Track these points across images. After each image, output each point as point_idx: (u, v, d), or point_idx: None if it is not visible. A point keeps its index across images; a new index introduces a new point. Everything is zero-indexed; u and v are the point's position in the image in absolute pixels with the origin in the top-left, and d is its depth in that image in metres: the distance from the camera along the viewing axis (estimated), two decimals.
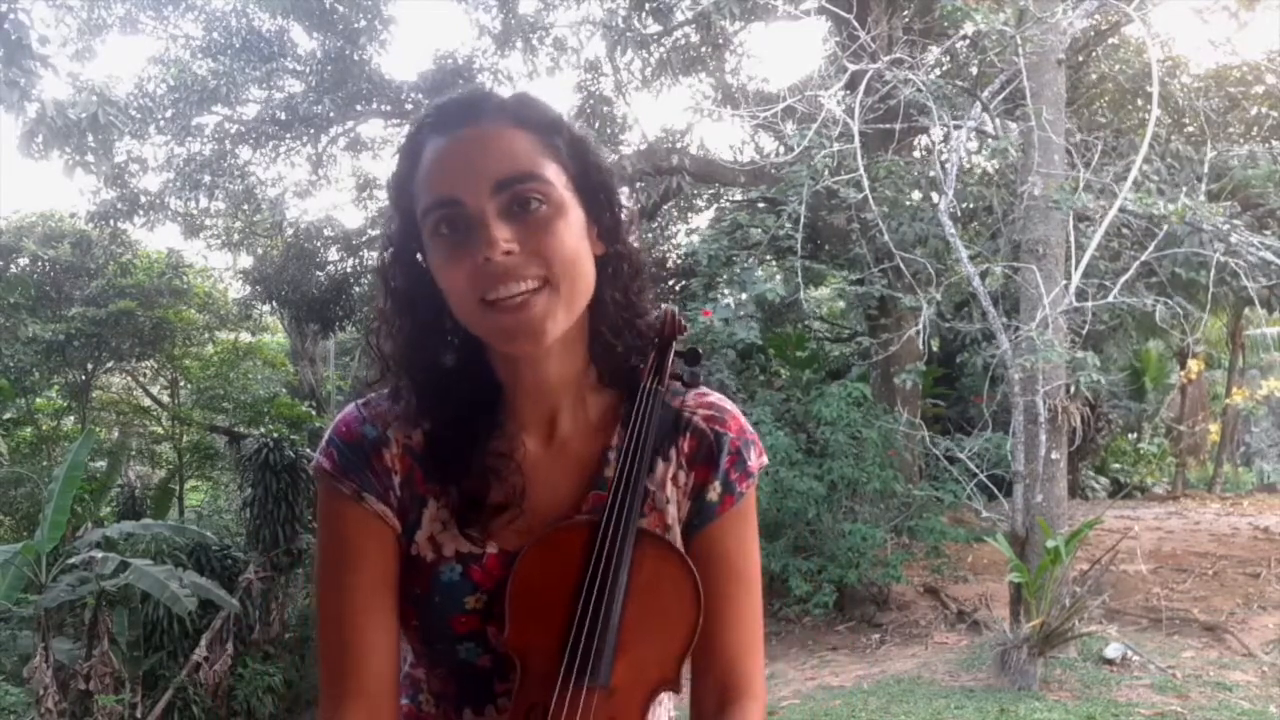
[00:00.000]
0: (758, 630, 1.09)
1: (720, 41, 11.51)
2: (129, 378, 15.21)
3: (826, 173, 6.97)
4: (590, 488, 1.05)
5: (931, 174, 8.00)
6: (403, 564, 1.03)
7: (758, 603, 1.09)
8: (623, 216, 1.03)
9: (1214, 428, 15.71)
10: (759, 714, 1.05)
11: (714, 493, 1.06)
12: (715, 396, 1.11)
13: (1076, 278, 5.97)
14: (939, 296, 6.93)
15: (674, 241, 12.96)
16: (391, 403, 1.06)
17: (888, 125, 7.16)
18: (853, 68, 6.74)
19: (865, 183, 6.63)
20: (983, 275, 6.32)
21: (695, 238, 11.26)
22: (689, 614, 1.01)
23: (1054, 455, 6.00)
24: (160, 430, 15.29)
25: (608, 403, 1.07)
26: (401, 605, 1.03)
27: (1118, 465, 15.95)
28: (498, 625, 1.00)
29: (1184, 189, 6.54)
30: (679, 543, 1.06)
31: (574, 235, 0.96)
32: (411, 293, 1.00)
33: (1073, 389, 6.00)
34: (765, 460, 1.12)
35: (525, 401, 1.05)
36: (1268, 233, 6.82)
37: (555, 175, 0.96)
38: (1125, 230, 6.87)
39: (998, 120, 6.86)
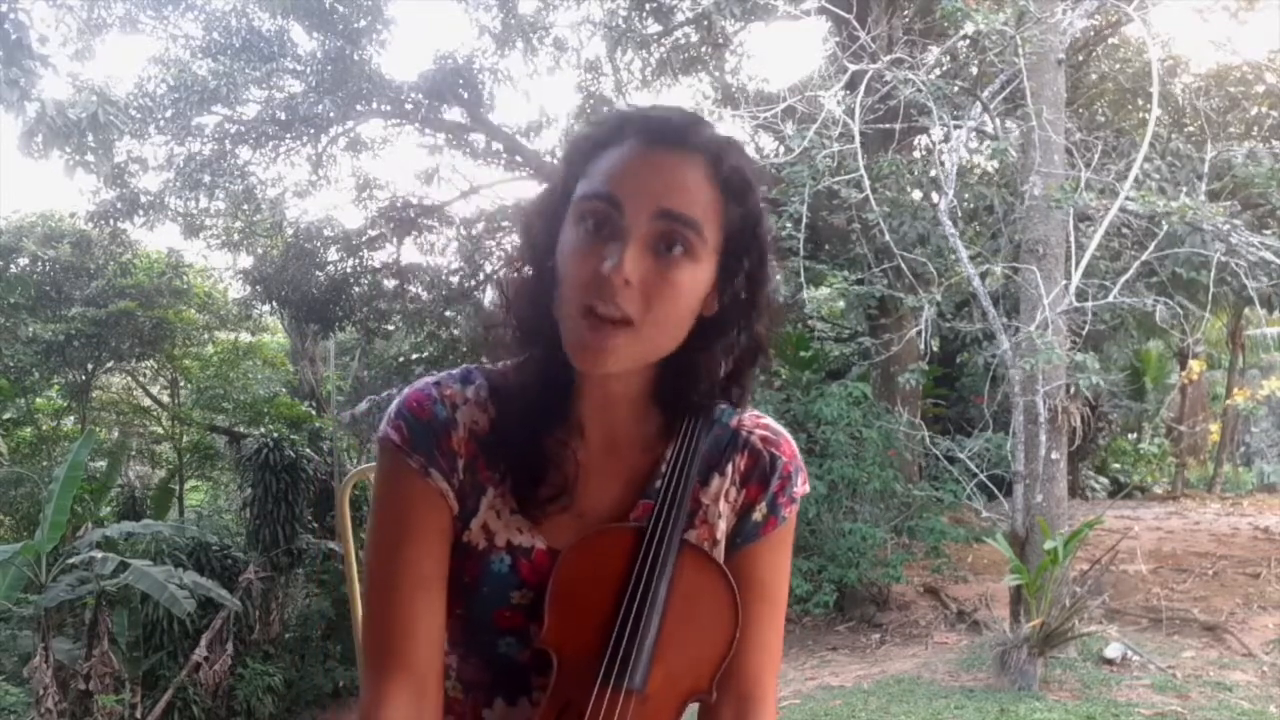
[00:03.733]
0: (778, 651, 1.11)
1: (720, 41, 11.51)
2: (129, 378, 15.20)
3: (827, 173, 6.97)
4: (640, 496, 1.06)
5: (932, 174, 8.00)
6: (455, 550, 1.04)
7: (781, 624, 1.12)
8: (759, 300, 1.02)
9: (1214, 428, 15.70)
10: None
11: (759, 513, 1.08)
12: (770, 419, 1.13)
13: (1076, 278, 5.97)
14: (939, 296, 6.93)
15: None
16: (461, 386, 1.07)
17: (888, 125, 7.16)
18: (853, 68, 6.74)
19: (866, 183, 6.63)
20: (983, 275, 6.32)
21: None
22: (726, 627, 1.02)
23: (1054, 455, 6.00)
24: (160, 430, 15.28)
25: (664, 419, 1.08)
26: (449, 593, 1.04)
27: (1118, 465, 15.93)
28: (540, 623, 1.01)
29: (1184, 188, 6.54)
30: (723, 557, 1.08)
31: (689, 297, 0.97)
32: (543, 248, 1.00)
33: (1073, 389, 6.00)
34: (808, 489, 1.13)
35: (589, 405, 1.06)
36: (1268, 232, 6.81)
37: (713, 236, 0.96)
38: (1125, 230, 6.86)
39: (998, 120, 6.86)
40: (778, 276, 1.07)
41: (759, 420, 1.12)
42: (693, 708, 1.08)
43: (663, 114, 0.99)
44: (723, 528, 1.08)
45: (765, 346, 1.06)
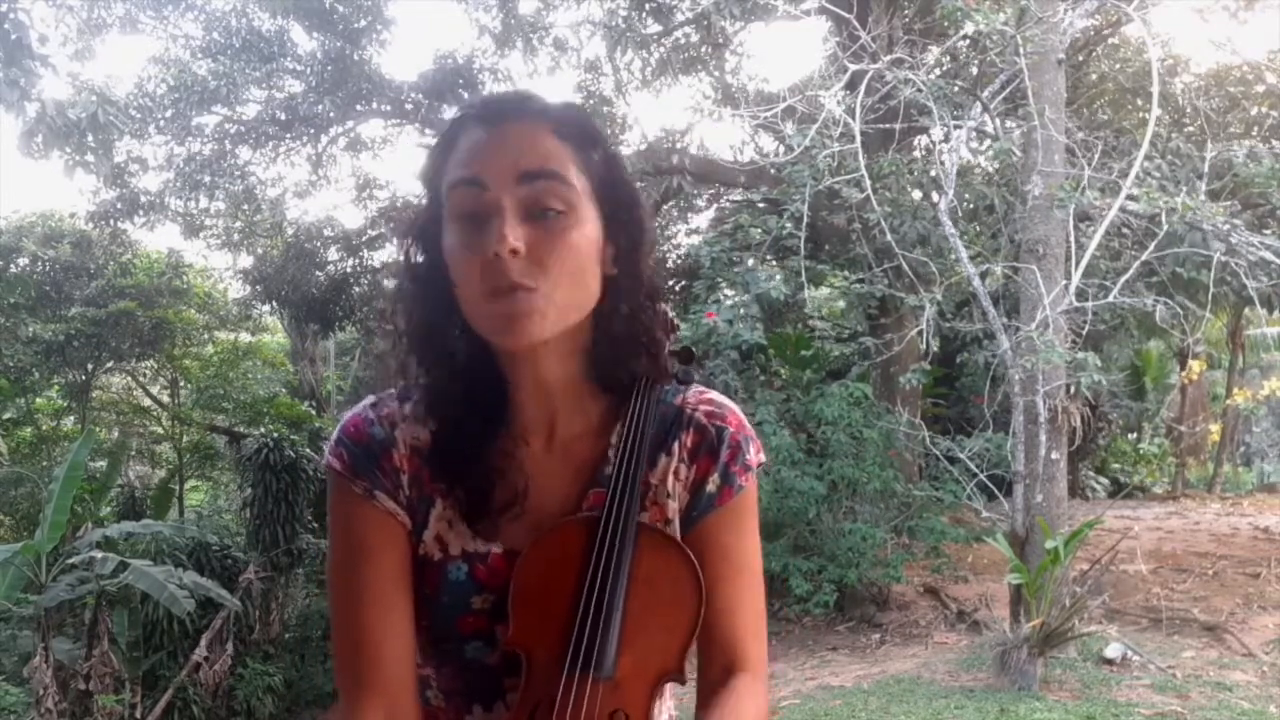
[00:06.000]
0: (760, 618, 1.10)
1: (720, 41, 11.52)
2: (129, 378, 15.20)
3: (827, 173, 6.97)
4: (591, 486, 1.06)
5: (932, 174, 8.00)
6: (412, 564, 1.05)
7: (758, 593, 1.10)
8: (643, 242, 1.05)
9: (1214, 428, 15.70)
10: (759, 688, 1.06)
11: (713, 485, 1.08)
12: (715, 394, 1.13)
13: (1077, 277, 5.97)
14: (939, 296, 6.93)
15: (674, 242, 12.96)
16: (399, 404, 1.08)
17: (888, 125, 7.16)
18: (853, 68, 6.74)
19: (866, 183, 6.63)
20: (983, 275, 6.32)
21: (696, 238, 11.28)
22: (690, 604, 1.02)
23: (1054, 455, 6.00)
24: (160, 430, 15.27)
25: (607, 404, 1.09)
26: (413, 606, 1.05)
27: (1118, 465, 15.92)
28: (505, 625, 1.01)
29: (1184, 188, 6.54)
30: (679, 536, 1.07)
31: (583, 250, 0.98)
32: (430, 273, 1.02)
33: (1073, 389, 5.99)
34: (764, 457, 1.13)
35: (527, 402, 1.06)
36: (1268, 232, 6.82)
37: (581, 184, 0.98)
38: (1126, 230, 6.87)
39: (998, 120, 6.86)
40: (653, 223, 1.08)
41: (703, 395, 1.12)
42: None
43: (496, 96, 1.04)
44: (674, 507, 1.07)
45: (655, 287, 1.07)
